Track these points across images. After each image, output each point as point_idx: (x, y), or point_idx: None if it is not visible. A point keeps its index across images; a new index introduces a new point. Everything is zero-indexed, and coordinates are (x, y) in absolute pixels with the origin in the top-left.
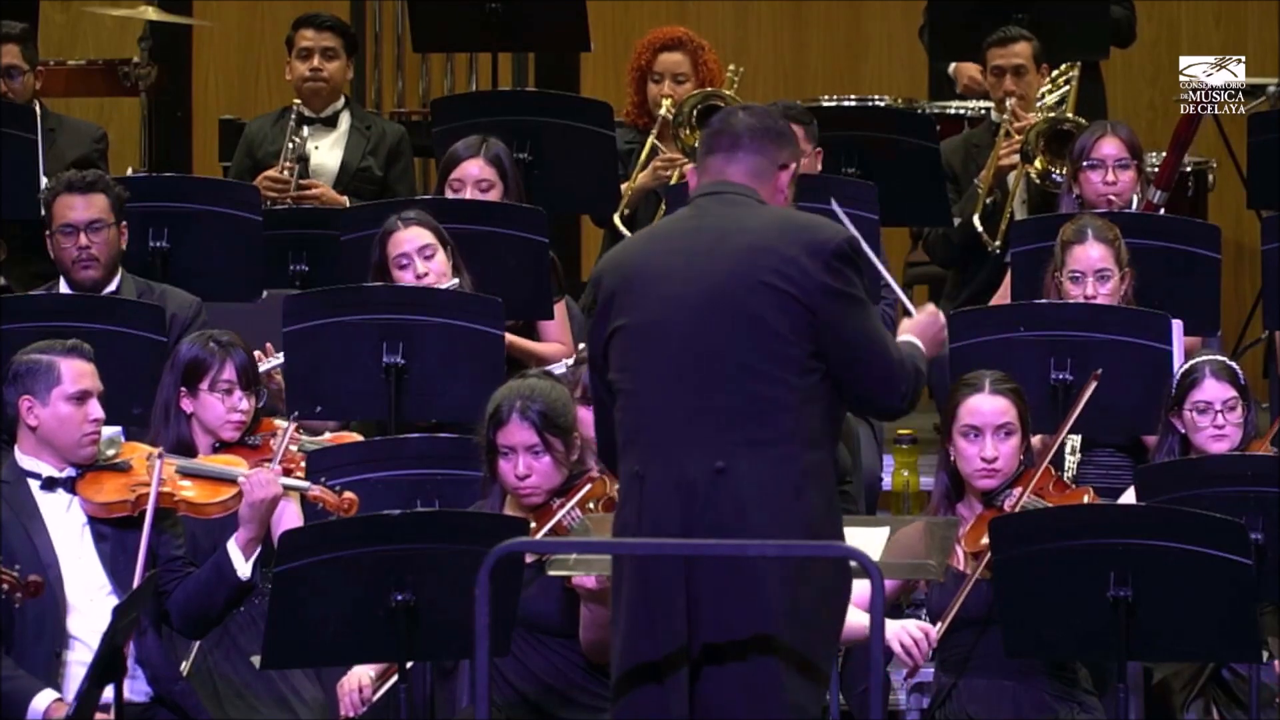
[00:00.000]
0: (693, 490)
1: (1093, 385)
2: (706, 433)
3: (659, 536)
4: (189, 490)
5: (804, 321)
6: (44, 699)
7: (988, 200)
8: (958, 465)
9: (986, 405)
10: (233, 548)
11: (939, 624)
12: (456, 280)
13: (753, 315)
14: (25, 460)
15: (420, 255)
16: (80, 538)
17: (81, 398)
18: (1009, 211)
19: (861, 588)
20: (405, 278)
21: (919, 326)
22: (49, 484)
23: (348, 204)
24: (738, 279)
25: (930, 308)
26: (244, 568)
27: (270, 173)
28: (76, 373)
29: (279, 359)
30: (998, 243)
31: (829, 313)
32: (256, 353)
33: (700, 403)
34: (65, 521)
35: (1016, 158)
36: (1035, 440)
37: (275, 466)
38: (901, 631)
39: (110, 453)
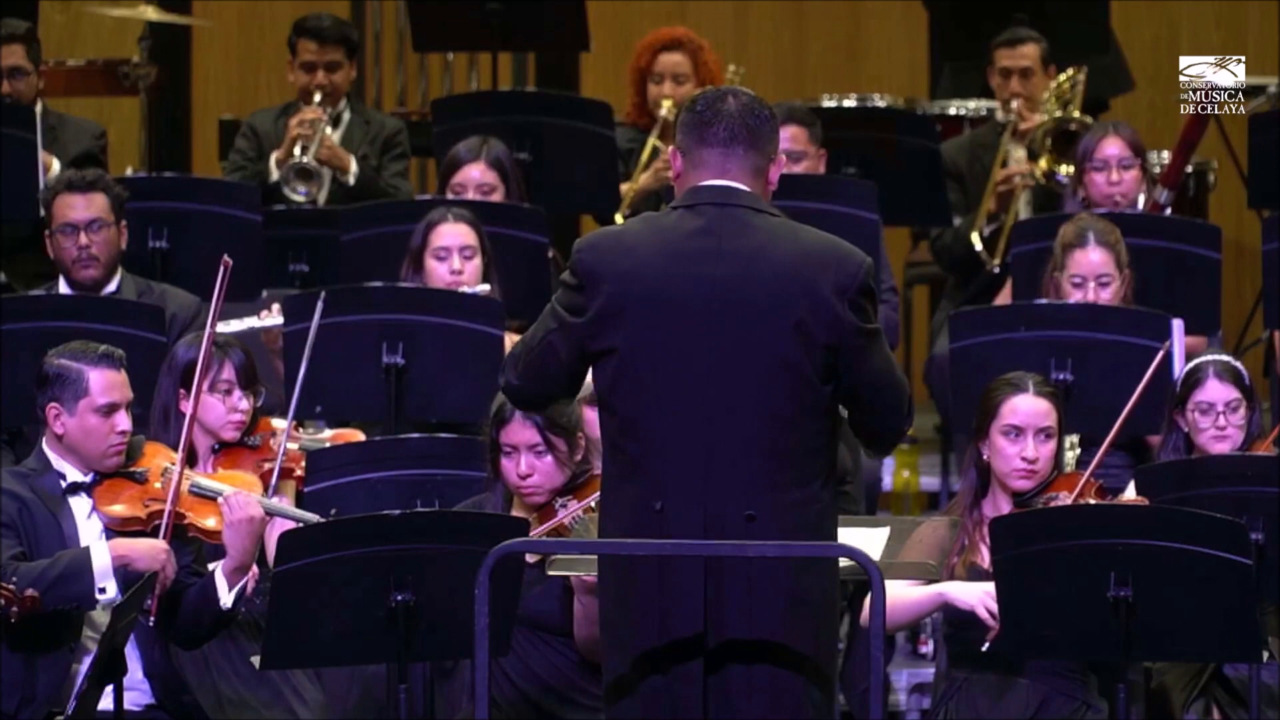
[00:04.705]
0: (721, 535)
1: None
2: (736, 478)
3: (685, 573)
4: (202, 515)
5: (831, 363)
6: (101, 550)
7: (987, 230)
8: (993, 463)
9: (1031, 406)
10: (219, 575)
11: None
12: (488, 285)
13: (785, 362)
14: (53, 458)
15: (460, 253)
16: (97, 543)
17: (109, 410)
18: (1008, 229)
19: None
20: (440, 270)
21: None
22: (72, 488)
23: (354, 165)
24: (769, 323)
25: None
26: (225, 597)
27: (304, 115)
28: (105, 384)
29: (278, 319)
30: (996, 261)
31: (855, 351)
32: (263, 311)
33: (730, 447)
34: (86, 526)
35: (1018, 182)
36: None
37: (250, 495)
38: (985, 597)
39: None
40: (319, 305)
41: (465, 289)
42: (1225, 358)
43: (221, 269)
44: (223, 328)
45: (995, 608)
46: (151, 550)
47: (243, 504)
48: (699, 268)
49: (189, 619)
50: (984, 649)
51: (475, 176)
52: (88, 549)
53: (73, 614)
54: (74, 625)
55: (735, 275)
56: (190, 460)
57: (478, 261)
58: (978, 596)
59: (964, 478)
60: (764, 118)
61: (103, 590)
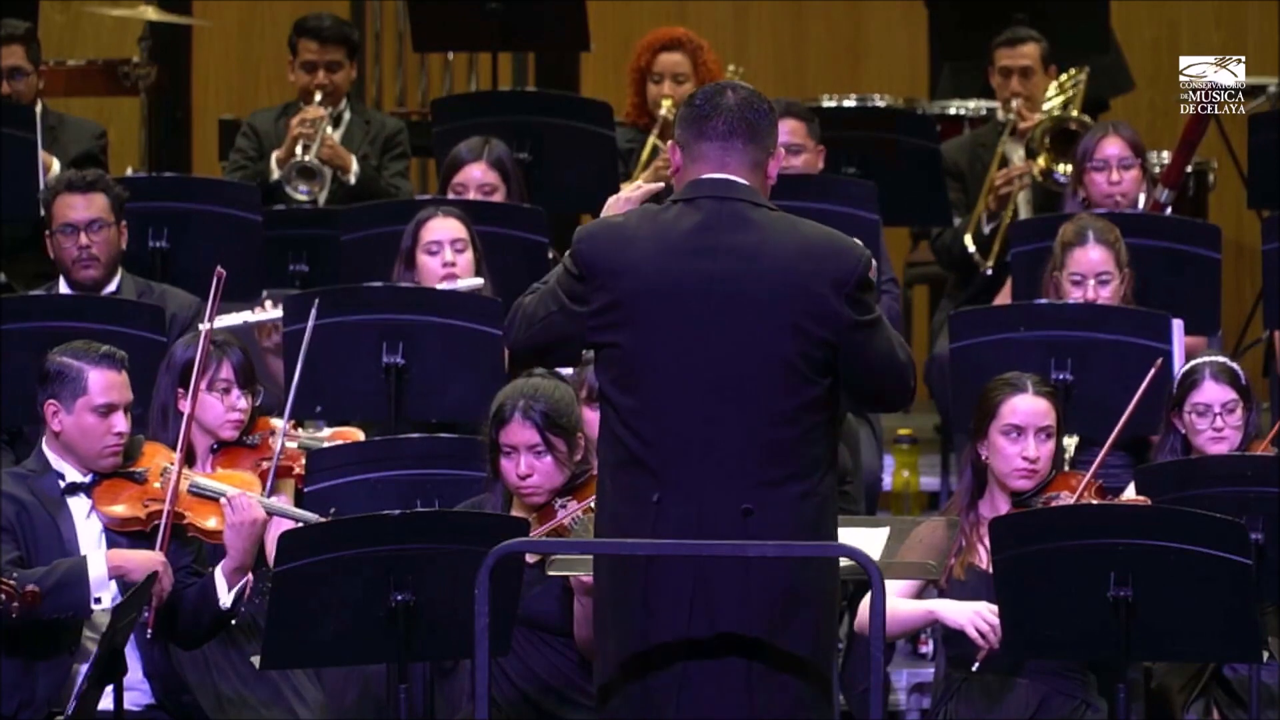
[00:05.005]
0: (717, 530)
1: (1154, 370)
2: (732, 472)
3: (675, 569)
4: (202, 516)
5: (829, 357)
6: (98, 561)
7: (986, 229)
8: (992, 464)
9: (1031, 406)
10: (218, 575)
11: None
12: (481, 280)
13: (783, 356)
14: (52, 458)
15: (451, 246)
16: (97, 544)
17: (107, 410)
18: (1004, 230)
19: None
20: (433, 265)
21: None
22: (71, 489)
23: (355, 165)
24: (767, 318)
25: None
26: (225, 597)
27: (306, 114)
28: (105, 384)
29: (277, 312)
30: (990, 264)
31: (854, 344)
32: (257, 306)
33: (728, 442)
34: (85, 526)
35: (1016, 184)
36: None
37: (253, 496)
38: (975, 616)
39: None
40: (313, 311)
41: (460, 282)
42: (1221, 359)
43: (215, 279)
44: (218, 322)
45: (985, 627)
46: (148, 562)
47: (245, 505)
48: (697, 262)
49: (189, 619)
50: (974, 668)
51: (477, 176)
52: (85, 558)
53: (69, 622)
54: (73, 632)
55: (733, 270)
56: (189, 459)
57: (469, 255)
58: (967, 616)
59: (960, 478)
60: (763, 112)
61: (98, 600)
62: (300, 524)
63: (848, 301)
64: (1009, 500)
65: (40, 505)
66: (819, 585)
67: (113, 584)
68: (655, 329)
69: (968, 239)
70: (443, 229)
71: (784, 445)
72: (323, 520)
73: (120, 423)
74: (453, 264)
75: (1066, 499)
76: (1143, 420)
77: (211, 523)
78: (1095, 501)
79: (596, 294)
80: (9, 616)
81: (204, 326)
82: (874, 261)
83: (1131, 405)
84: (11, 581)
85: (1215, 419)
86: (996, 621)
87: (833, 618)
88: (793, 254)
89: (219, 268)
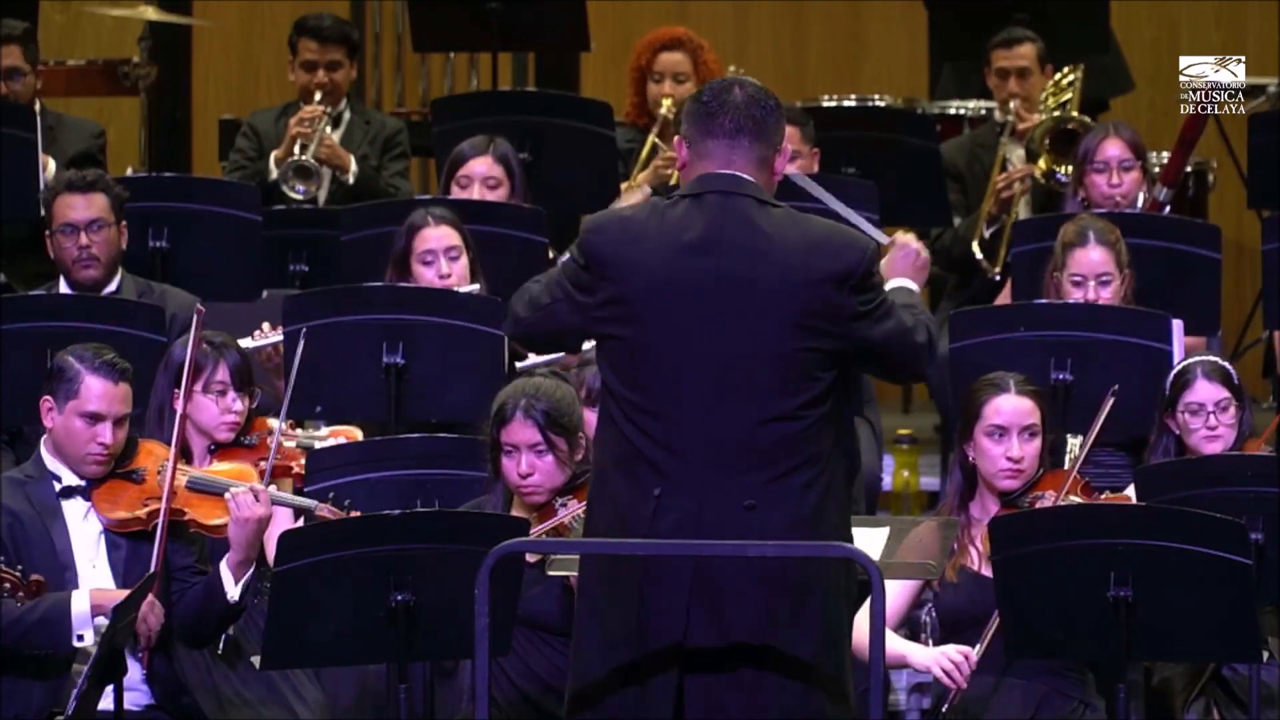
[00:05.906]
0: (719, 524)
1: (1110, 401)
2: (734, 469)
3: (679, 567)
4: (204, 512)
5: (835, 349)
6: (81, 598)
7: (988, 232)
8: (978, 465)
9: (1014, 405)
10: (224, 569)
11: (978, 645)
12: (477, 285)
13: (787, 351)
14: (48, 460)
15: (446, 255)
16: (96, 545)
17: (94, 419)
18: (1008, 233)
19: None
20: (427, 274)
21: (898, 263)
22: (66, 491)
23: (354, 165)
24: (771, 313)
25: (899, 237)
26: (233, 590)
27: (304, 113)
28: (98, 392)
29: (278, 335)
30: (998, 269)
31: (859, 333)
32: (255, 332)
33: (730, 440)
34: (83, 529)
35: (1018, 187)
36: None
37: (262, 487)
38: (941, 657)
39: None
40: (300, 342)
41: (456, 290)
42: (1212, 358)
43: (195, 316)
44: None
45: (950, 667)
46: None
47: (250, 504)
48: (703, 259)
49: (196, 618)
50: (944, 710)
51: (481, 170)
52: (69, 595)
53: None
54: (61, 661)
55: (738, 267)
56: (187, 460)
57: (464, 260)
58: (933, 658)
59: (950, 480)
60: (769, 108)
61: (80, 638)
62: (300, 512)
63: (853, 292)
64: (998, 501)
65: (36, 515)
66: (824, 576)
67: (96, 621)
68: (660, 325)
69: (975, 246)
70: (435, 238)
71: (787, 441)
72: (323, 506)
73: (106, 434)
74: (448, 275)
75: (1051, 498)
76: (1140, 420)
77: (214, 518)
78: (1081, 500)
79: (602, 286)
80: (16, 607)
81: (185, 373)
82: (876, 254)
83: (1103, 415)
84: (15, 572)
85: (1209, 418)
86: (962, 660)
87: (840, 609)
88: (797, 250)
89: (198, 304)
